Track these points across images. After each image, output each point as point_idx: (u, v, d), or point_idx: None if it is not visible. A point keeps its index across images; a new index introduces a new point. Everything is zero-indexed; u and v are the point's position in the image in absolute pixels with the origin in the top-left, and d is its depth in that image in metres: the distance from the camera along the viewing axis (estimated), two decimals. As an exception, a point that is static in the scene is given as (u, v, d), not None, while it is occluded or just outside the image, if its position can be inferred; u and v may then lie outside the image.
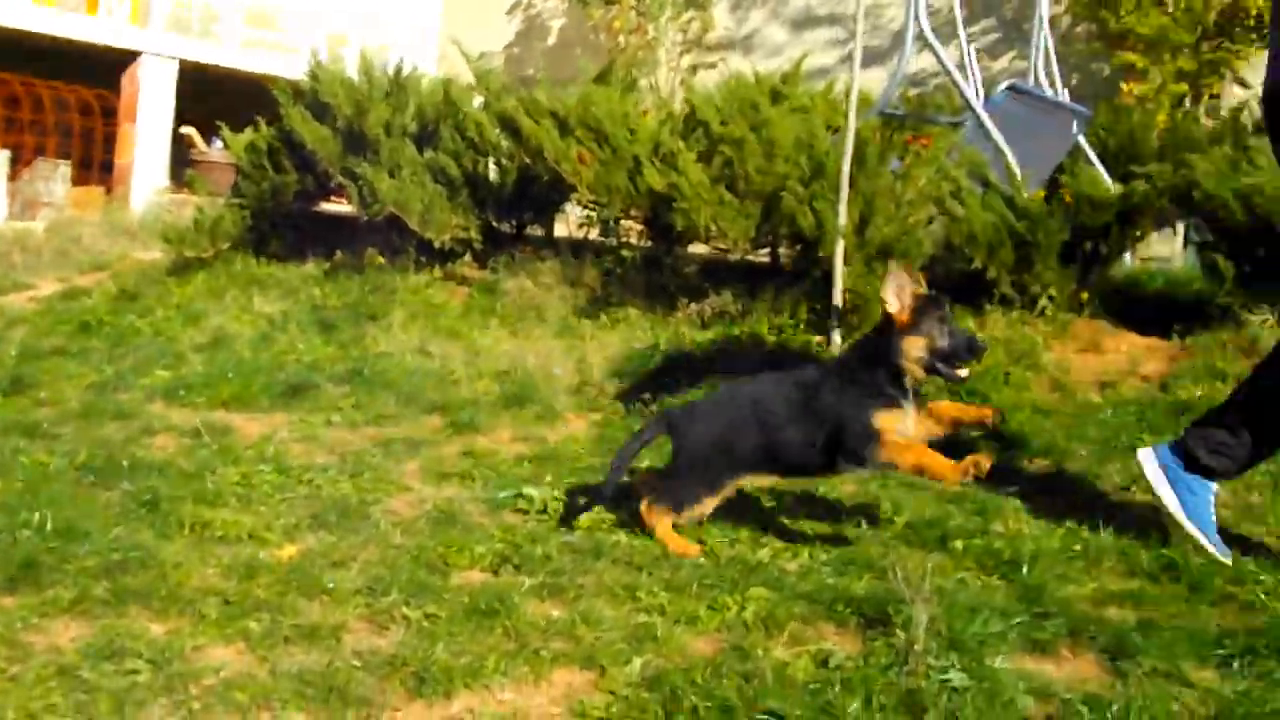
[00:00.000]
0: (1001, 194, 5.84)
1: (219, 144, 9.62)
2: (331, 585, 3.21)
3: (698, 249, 6.73)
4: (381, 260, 7.36)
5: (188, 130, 10.54)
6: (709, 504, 3.67)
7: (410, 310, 6.50)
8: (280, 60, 10.17)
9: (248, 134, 8.24)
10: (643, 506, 3.67)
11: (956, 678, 2.67)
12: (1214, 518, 3.60)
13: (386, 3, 12.04)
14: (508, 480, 4.24)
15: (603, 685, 2.71)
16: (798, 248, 5.90)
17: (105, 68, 10.22)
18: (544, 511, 3.87)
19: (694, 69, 10.78)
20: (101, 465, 4.26)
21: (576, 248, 7.06)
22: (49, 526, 3.51)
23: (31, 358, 6.00)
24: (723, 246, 6.31)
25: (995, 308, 5.69)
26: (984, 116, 6.52)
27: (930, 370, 3.55)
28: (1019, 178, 6.01)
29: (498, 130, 7.12)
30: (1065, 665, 2.88)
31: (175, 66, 10.60)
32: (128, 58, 10.27)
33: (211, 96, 10.49)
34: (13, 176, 9.90)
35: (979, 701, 2.59)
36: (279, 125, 7.99)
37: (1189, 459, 3.65)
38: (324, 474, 4.27)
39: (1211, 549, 3.52)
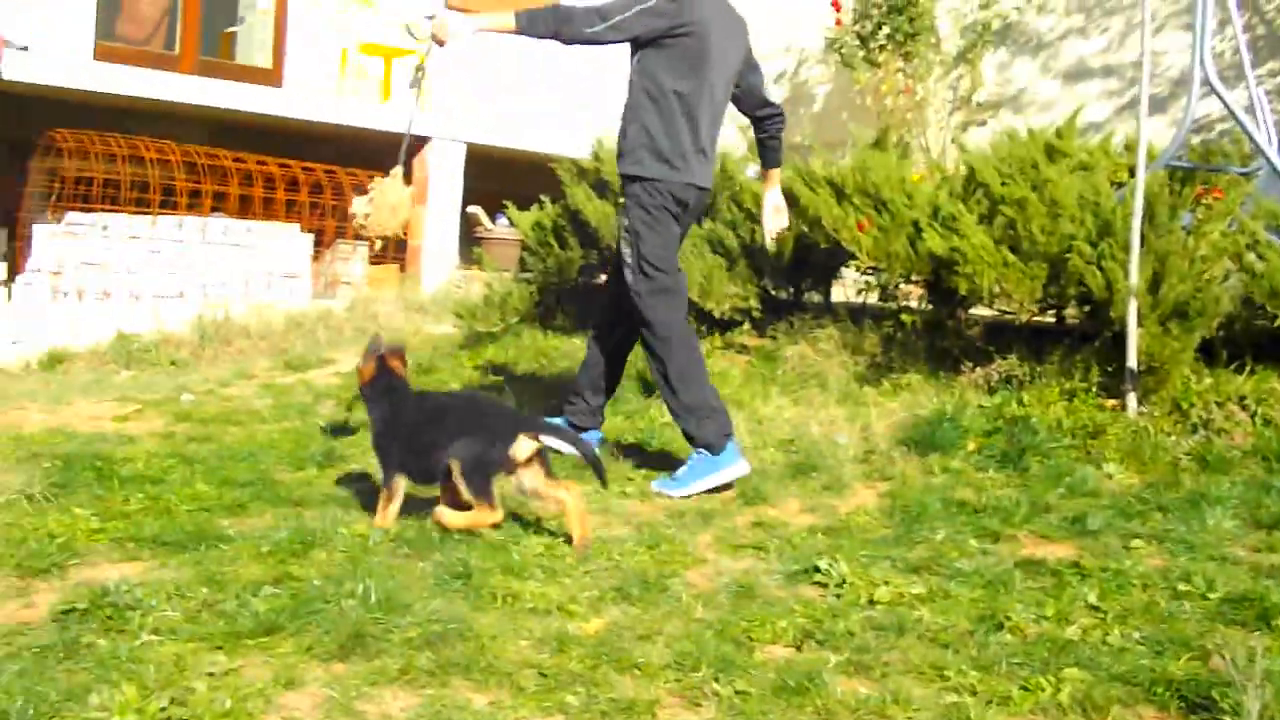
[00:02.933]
0: (1305, 247, 5.58)
1: (503, 221, 10.02)
2: (641, 660, 3.29)
3: (979, 311, 6.63)
4: (663, 331, 7.54)
5: (474, 209, 11.03)
6: None
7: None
8: (561, 140, 10.53)
9: (534, 212, 8.57)
10: None
11: (1295, 770, 2.55)
12: None
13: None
14: (801, 552, 4.25)
15: (918, 767, 2.70)
16: (1086, 309, 5.74)
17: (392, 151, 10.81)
18: (841, 585, 3.87)
19: (964, 127, 10.65)
20: (413, 537, 4.43)
21: (855, 313, 7.06)
22: (372, 597, 3.66)
23: (340, 431, 6.36)
24: (1006, 309, 6.20)
25: (1304, 367, 5.43)
26: (1277, 163, 6.25)
27: None
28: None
29: (774, 200, 7.19)
30: None
31: (463, 149, 11.13)
32: (418, 143, 10.82)
33: (494, 176, 10.95)
34: (315, 258, 10.55)
35: (1320, 795, 2.47)
36: (563, 203, 8.29)
37: None
38: (622, 545, 4.36)
39: None
